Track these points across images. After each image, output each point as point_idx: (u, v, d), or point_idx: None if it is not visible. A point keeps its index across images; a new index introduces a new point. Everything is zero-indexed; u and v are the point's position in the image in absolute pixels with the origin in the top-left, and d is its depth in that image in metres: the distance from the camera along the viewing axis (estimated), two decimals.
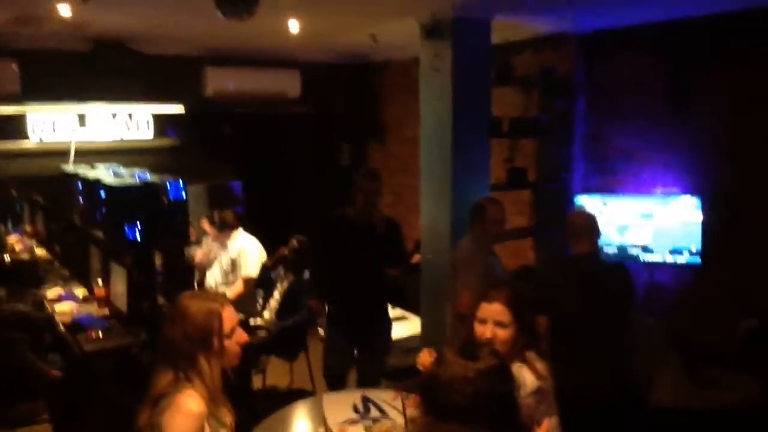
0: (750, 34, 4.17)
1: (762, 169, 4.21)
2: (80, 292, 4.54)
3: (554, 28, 4.96)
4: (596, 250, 3.54)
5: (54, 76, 5.74)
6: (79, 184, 4.95)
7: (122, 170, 4.90)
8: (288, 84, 6.81)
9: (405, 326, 5.08)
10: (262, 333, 4.70)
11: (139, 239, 3.92)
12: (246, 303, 4.69)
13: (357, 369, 4.11)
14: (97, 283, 4.29)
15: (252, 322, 4.64)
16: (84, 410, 3.43)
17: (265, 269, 5.03)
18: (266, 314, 4.91)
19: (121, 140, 6.37)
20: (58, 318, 4.03)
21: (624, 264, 3.72)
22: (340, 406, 2.91)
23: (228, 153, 6.86)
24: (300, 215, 6.43)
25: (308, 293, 4.59)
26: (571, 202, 4.87)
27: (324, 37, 5.47)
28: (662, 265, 4.52)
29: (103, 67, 5.70)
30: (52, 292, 4.50)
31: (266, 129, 7.12)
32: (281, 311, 4.80)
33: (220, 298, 2.00)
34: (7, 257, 5.22)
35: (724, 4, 4.03)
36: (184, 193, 4.06)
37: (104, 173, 4.75)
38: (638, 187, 4.77)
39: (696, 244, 4.33)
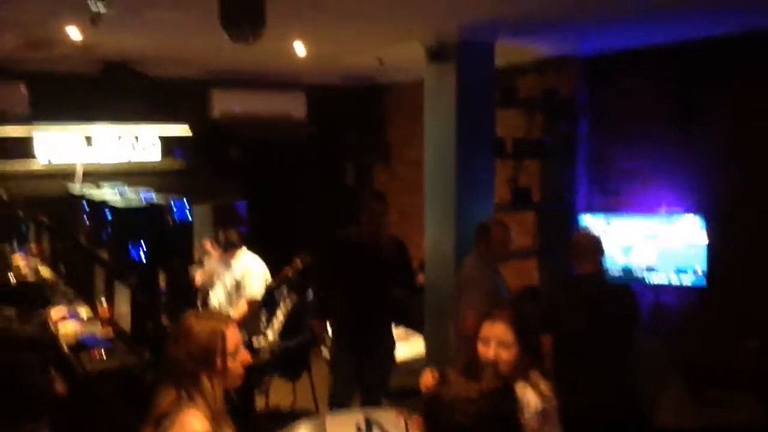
0: (753, 55, 4.21)
1: (766, 189, 4.21)
2: (84, 312, 4.54)
3: (557, 51, 5.01)
4: (601, 270, 3.53)
5: (62, 97, 5.81)
6: (85, 205, 4.99)
7: (128, 190, 4.95)
8: (293, 106, 6.87)
9: (409, 346, 5.06)
10: (265, 353, 4.68)
11: (143, 259, 3.94)
12: (249, 323, 4.68)
13: (360, 389, 4.08)
14: (101, 303, 4.29)
15: (255, 342, 4.63)
16: (87, 430, 3.42)
17: (269, 289, 5.02)
18: (269, 334, 4.89)
19: (128, 161, 6.42)
20: (61, 338, 4.03)
21: (629, 285, 3.71)
22: (343, 426, 2.89)
23: (234, 174, 6.90)
24: (304, 235, 6.44)
25: (311, 313, 4.58)
26: (575, 222, 4.87)
27: (329, 60, 5.53)
28: (667, 286, 4.50)
29: (111, 89, 5.77)
30: (56, 312, 4.50)
31: (272, 150, 7.17)
32: (284, 331, 4.78)
33: (224, 317, 2.01)
34: (12, 277, 5.23)
35: (726, 26, 4.08)
36: (189, 214, 4.09)
37: (110, 194, 4.79)
38: (642, 207, 4.77)
39: (701, 265, 4.31)
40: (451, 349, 4.05)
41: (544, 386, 2.19)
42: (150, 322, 3.78)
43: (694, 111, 4.54)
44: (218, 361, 1.87)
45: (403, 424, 2.63)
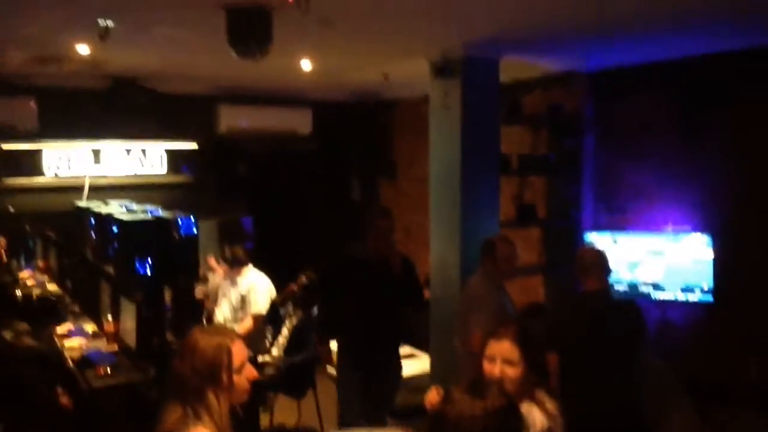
0: (758, 72, 4.21)
1: None
2: (90, 327, 4.54)
3: (562, 67, 5.03)
4: (607, 287, 3.52)
5: (71, 113, 5.86)
6: (92, 220, 5.00)
7: (135, 206, 4.96)
8: (299, 121, 6.91)
9: (414, 364, 5.04)
10: (270, 370, 4.66)
11: (149, 274, 3.94)
12: (255, 339, 4.67)
13: (367, 407, 4.05)
14: (107, 318, 4.29)
15: (260, 358, 4.62)
16: None
17: (275, 306, 5.02)
18: (274, 351, 4.88)
19: (135, 176, 6.46)
20: (67, 353, 4.03)
21: (635, 301, 3.69)
22: None
23: (240, 189, 6.93)
24: (310, 251, 6.45)
25: (316, 330, 4.57)
26: (581, 238, 4.86)
27: (335, 76, 5.57)
28: (674, 303, 4.47)
29: (119, 105, 5.82)
30: (61, 327, 4.51)
31: (278, 165, 7.21)
32: (289, 348, 4.77)
33: (230, 333, 2.00)
34: (18, 292, 5.24)
35: (731, 43, 4.08)
36: (195, 229, 4.10)
37: (117, 209, 4.80)
38: (648, 224, 4.76)
39: (708, 282, 4.29)
40: (456, 366, 4.03)
41: (550, 405, 2.17)
42: (155, 338, 3.78)
43: (700, 127, 4.54)
44: (224, 377, 1.86)
45: None
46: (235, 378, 1.89)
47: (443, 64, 4.39)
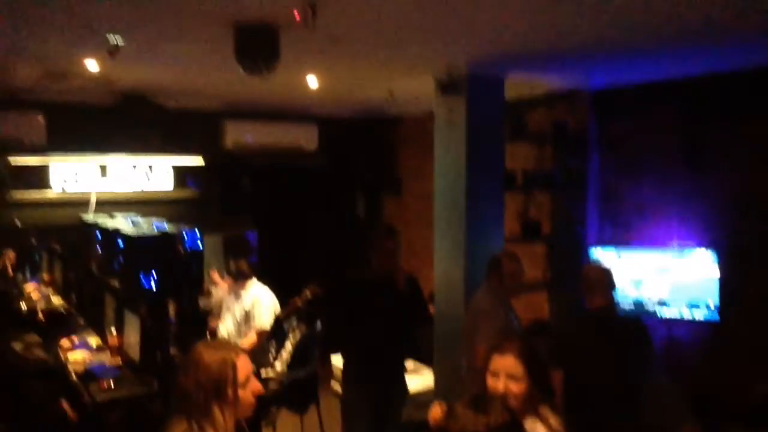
0: (763, 90, 4.22)
1: None
2: (94, 341, 4.55)
3: (567, 85, 5.05)
4: (612, 303, 3.51)
5: (78, 128, 5.91)
6: (98, 234, 5.03)
7: (140, 220, 4.99)
8: (305, 137, 6.96)
9: (418, 379, 5.02)
10: (273, 384, 4.65)
11: (154, 288, 3.96)
12: (258, 354, 4.67)
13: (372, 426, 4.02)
14: (110, 332, 4.30)
15: (263, 373, 4.61)
16: None
17: (278, 320, 5.02)
18: (278, 366, 4.87)
19: (141, 191, 6.50)
20: (70, 367, 4.03)
21: (640, 319, 3.68)
22: None
23: (245, 204, 6.96)
24: (314, 266, 6.46)
25: (320, 345, 4.56)
26: (586, 255, 4.85)
27: (341, 93, 5.61)
28: (679, 321, 4.45)
29: (126, 120, 5.87)
30: (65, 341, 4.52)
31: (283, 181, 7.24)
32: (293, 363, 4.76)
33: (234, 347, 2.00)
34: (23, 305, 5.26)
35: (736, 62, 4.10)
36: (200, 243, 4.12)
37: (123, 223, 4.83)
38: (653, 240, 4.75)
39: (713, 299, 4.27)
40: (461, 382, 4.01)
41: (554, 421, 2.16)
42: (159, 352, 3.78)
43: (704, 145, 4.55)
44: (229, 392, 1.86)
45: None
46: (240, 393, 1.89)
47: (448, 81, 4.42)
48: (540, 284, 5.36)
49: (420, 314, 4.00)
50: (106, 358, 4.17)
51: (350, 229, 7.40)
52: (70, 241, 5.86)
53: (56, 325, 4.75)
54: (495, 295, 3.76)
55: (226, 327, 5.05)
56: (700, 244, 4.43)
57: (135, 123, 5.91)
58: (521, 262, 3.85)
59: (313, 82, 4.80)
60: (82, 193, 6.20)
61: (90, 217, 5.76)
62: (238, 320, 4.98)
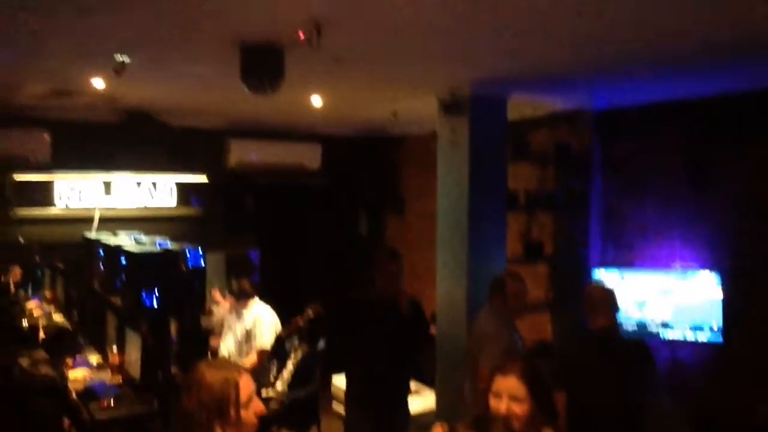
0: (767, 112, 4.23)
1: None
2: (94, 359, 4.53)
3: (570, 105, 5.07)
4: (615, 324, 3.50)
5: (83, 146, 5.95)
6: (101, 251, 5.03)
7: (144, 238, 4.99)
8: (309, 156, 6.98)
9: (419, 400, 4.98)
10: (274, 404, 4.62)
11: (156, 306, 3.95)
12: (259, 373, 4.64)
13: None
14: (111, 350, 4.29)
15: (264, 392, 4.58)
16: None
17: (280, 339, 4.99)
18: (279, 385, 4.84)
19: (145, 208, 6.52)
20: (70, 385, 4.01)
21: (644, 340, 3.66)
22: None
23: (248, 222, 6.97)
24: (317, 285, 6.44)
25: (322, 365, 4.53)
26: (589, 275, 4.84)
27: (345, 112, 5.64)
28: (683, 343, 4.43)
29: (131, 138, 5.90)
30: (69, 359, 4.49)
31: (286, 199, 7.25)
32: (294, 382, 4.73)
33: (236, 366, 1.99)
34: (25, 322, 5.25)
35: (740, 83, 4.12)
36: (203, 262, 4.11)
37: (126, 240, 4.83)
38: (656, 262, 4.74)
39: (717, 321, 4.25)
40: (463, 403, 3.98)
41: None
42: (159, 371, 3.76)
43: (708, 166, 4.55)
44: (231, 412, 1.84)
45: None
46: (243, 413, 1.87)
47: (451, 101, 4.44)
48: (542, 305, 5.34)
49: (423, 338, 3.96)
50: (107, 377, 4.15)
51: (353, 248, 7.40)
52: (72, 258, 5.86)
53: (62, 343, 4.73)
54: (498, 315, 3.73)
55: (227, 346, 5.02)
56: (703, 266, 4.42)
57: (139, 141, 5.95)
58: (525, 282, 3.83)
59: (317, 101, 4.83)
60: (86, 209, 6.21)
61: (93, 234, 5.76)
62: (239, 339, 4.96)
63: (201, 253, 4.17)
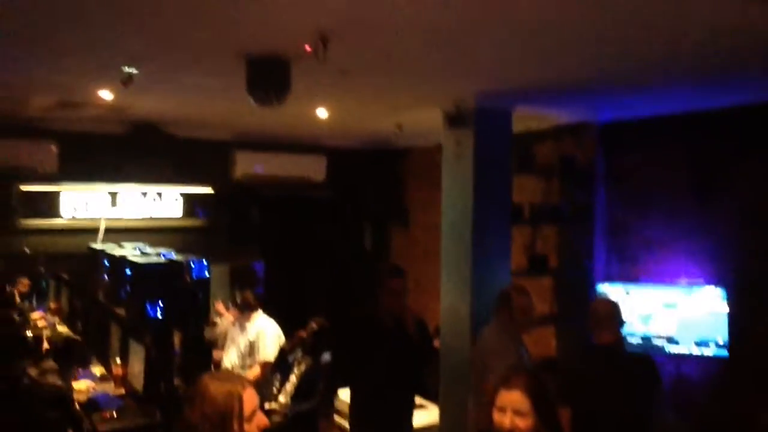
0: None
1: None
2: (98, 370, 4.53)
3: (575, 118, 5.08)
4: (620, 339, 3.47)
5: (90, 157, 5.98)
6: (106, 261, 5.04)
7: (149, 249, 5.00)
8: (314, 168, 7.01)
9: (423, 415, 4.95)
10: (276, 417, 4.60)
11: (159, 317, 3.95)
12: (262, 386, 4.63)
13: None
14: (115, 361, 4.28)
15: (267, 405, 4.56)
16: None
17: (283, 352, 4.98)
18: (282, 398, 4.82)
19: (150, 219, 6.54)
20: (74, 395, 4.01)
21: (649, 355, 3.63)
22: None
23: (253, 234, 6.98)
24: (321, 297, 6.44)
25: (325, 378, 4.52)
26: (593, 289, 4.82)
27: (350, 124, 5.66)
28: (688, 357, 4.40)
29: (137, 150, 5.94)
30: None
31: (291, 211, 7.27)
32: (297, 395, 4.71)
33: (241, 379, 1.97)
34: (29, 333, 5.25)
35: (744, 96, 4.12)
36: (207, 273, 4.12)
37: (131, 251, 4.85)
38: (661, 276, 4.72)
39: (723, 336, 4.22)
40: (468, 419, 3.95)
41: None
42: (162, 383, 3.75)
43: (713, 180, 4.54)
44: (235, 425, 1.82)
45: None
46: (246, 426, 1.85)
47: (456, 114, 4.44)
48: (547, 318, 5.31)
49: (428, 357, 3.93)
50: (110, 388, 4.14)
51: (357, 260, 7.40)
52: (77, 269, 5.88)
53: (73, 353, 4.73)
54: (505, 330, 3.68)
55: (229, 359, 5.01)
56: (708, 281, 4.39)
57: (146, 152, 5.98)
58: (531, 296, 3.80)
59: (322, 113, 4.85)
60: (91, 219, 6.23)
61: (98, 244, 5.78)
62: (243, 352, 4.95)
63: (206, 264, 4.18)
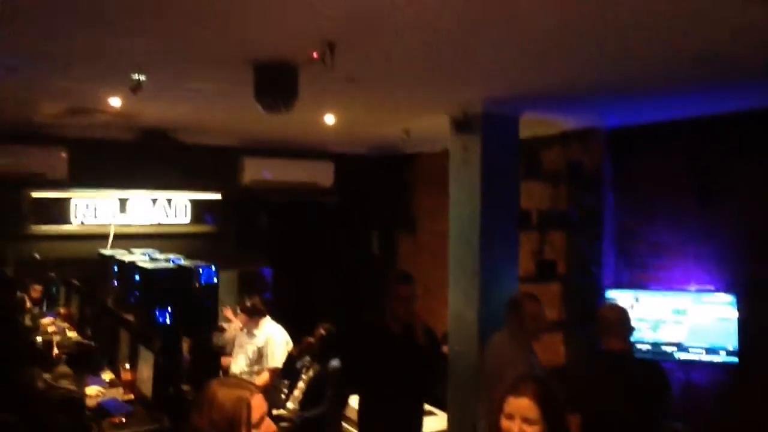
0: None
1: None
2: (107, 375, 4.54)
3: (582, 123, 5.07)
4: (629, 346, 3.45)
5: (100, 163, 6.02)
6: (115, 267, 5.06)
7: (158, 254, 5.02)
8: (321, 174, 7.02)
9: (431, 422, 4.93)
10: (285, 423, 4.61)
11: (168, 323, 3.96)
12: (270, 393, 4.63)
13: None
14: (124, 367, 4.30)
15: (275, 411, 4.56)
16: None
17: (291, 358, 4.99)
18: (290, 404, 4.83)
19: (159, 225, 6.57)
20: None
21: (658, 362, 3.61)
22: None
23: (261, 240, 7.00)
24: (329, 303, 6.45)
25: (333, 384, 4.51)
26: (602, 296, 4.80)
27: (357, 130, 5.67)
28: (698, 364, 4.37)
29: (147, 156, 5.97)
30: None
31: (299, 217, 7.29)
32: (305, 401, 4.71)
33: (249, 385, 1.97)
34: (39, 339, 5.28)
35: (750, 101, 4.10)
36: (216, 278, 4.13)
37: (140, 257, 4.87)
38: (671, 282, 4.70)
39: (732, 343, 4.19)
40: (477, 426, 3.93)
41: None
42: (171, 388, 3.76)
43: (720, 186, 4.52)
44: None
45: None
46: None
47: (463, 119, 4.44)
48: (555, 325, 5.29)
49: (437, 364, 3.91)
50: (119, 394, 4.15)
51: (365, 266, 7.40)
52: (87, 274, 5.91)
53: (88, 359, 4.76)
54: (516, 338, 3.64)
55: (237, 365, 5.02)
56: (718, 287, 4.37)
57: (155, 159, 6.02)
58: (541, 303, 3.77)
59: (330, 119, 4.86)
60: (101, 225, 6.27)
61: (108, 251, 5.81)
62: (251, 358, 4.96)
63: (214, 270, 4.19)
